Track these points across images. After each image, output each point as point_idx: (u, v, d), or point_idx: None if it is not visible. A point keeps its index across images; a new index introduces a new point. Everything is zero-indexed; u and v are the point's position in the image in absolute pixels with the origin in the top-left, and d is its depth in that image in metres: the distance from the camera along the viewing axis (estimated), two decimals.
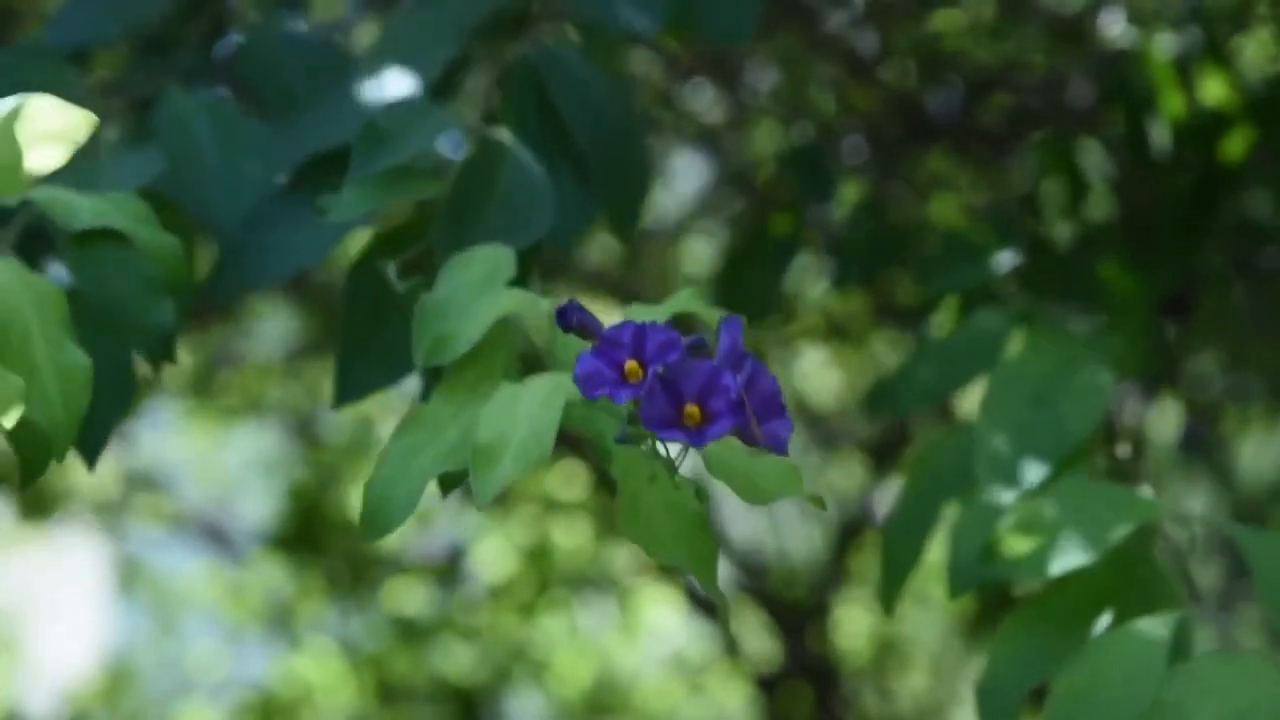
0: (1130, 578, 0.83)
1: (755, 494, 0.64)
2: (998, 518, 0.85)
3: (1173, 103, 1.22)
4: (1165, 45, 1.26)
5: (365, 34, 1.40)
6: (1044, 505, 0.83)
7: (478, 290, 0.72)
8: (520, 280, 0.75)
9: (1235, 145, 1.22)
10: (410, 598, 2.66)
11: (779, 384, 0.61)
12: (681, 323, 0.68)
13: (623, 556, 2.59)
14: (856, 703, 2.46)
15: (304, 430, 2.59)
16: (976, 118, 1.42)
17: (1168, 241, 1.23)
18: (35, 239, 0.84)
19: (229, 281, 0.89)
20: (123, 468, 2.57)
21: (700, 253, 1.97)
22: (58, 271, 0.80)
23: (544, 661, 2.80)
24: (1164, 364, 1.34)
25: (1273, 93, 1.27)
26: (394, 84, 0.92)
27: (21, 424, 0.64)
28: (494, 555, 2.64)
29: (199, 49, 1.06)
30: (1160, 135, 1.24)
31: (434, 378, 0.75)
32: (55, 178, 0.76)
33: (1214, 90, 1.23)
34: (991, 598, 1.58)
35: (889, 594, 0.99)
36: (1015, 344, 1.01)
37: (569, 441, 0.72)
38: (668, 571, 2.24)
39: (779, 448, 0.61)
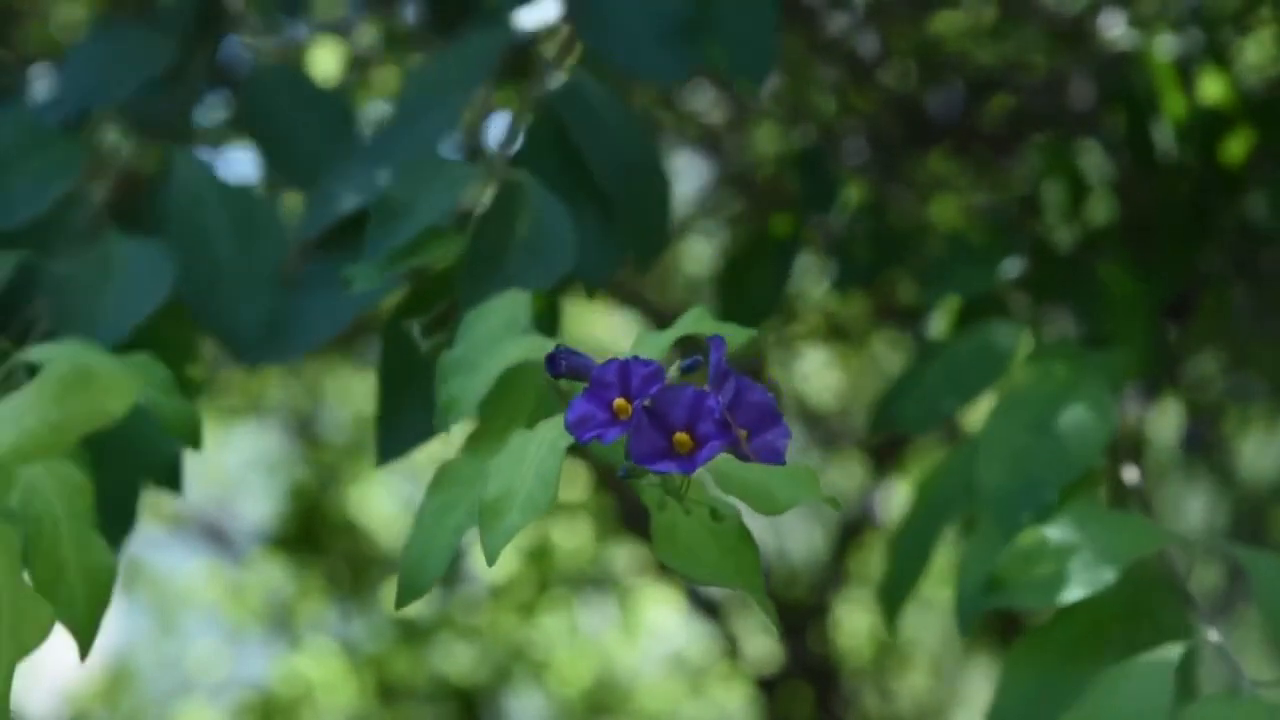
0: (1137, 606, 0.83)
1: (771, 505, 0.64)
2: (1002, 549, 0.84)
3: (1174, 104, 1.22)
4: (1166, 47, 1.26)
5: (365, 34, 1.40)
6: (1050, 533, 0.83)
7: (492, 343, 0.72)
8: (550, 319, 0.75)
9: (1236, 147, 1.22)
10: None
11: (771, 394, 0.61)
12: (691, 342, 0.68)
13: (623, 556, 2.59)
14: (857, 703, 2.46)
15: (304, 430, 2.59)
16: (977, 119, 1.42)
17: (1169, 244, 1.23)
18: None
19: (267, 352, 0.90)
20: None
21: (700, 253, 1.97)
22: None
23: (544, 661, 2.80)
24: (1165, 365, 1.34)
25: (1273, 95, 1.27)
26: (413, 135, 0.92)
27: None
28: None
29: (205, 60, 1.06)
30: (1161, 137, 1.24)
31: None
32: (65, 294, 0.77)
33: (1215, 92, 1.23)
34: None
35: (891, 609, 0.99)
36: (1022, 354, 1.00)
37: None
38: (668, 571, 2.24)
39: (775, 459, 0.61)
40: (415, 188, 0.84)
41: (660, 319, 1.86)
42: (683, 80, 1.04)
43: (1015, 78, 1.39)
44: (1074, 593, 0.80)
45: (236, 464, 2.98)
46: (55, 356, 0.74)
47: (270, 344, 0.89)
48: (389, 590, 2.65)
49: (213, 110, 1.19)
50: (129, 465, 0.82)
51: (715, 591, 2.29)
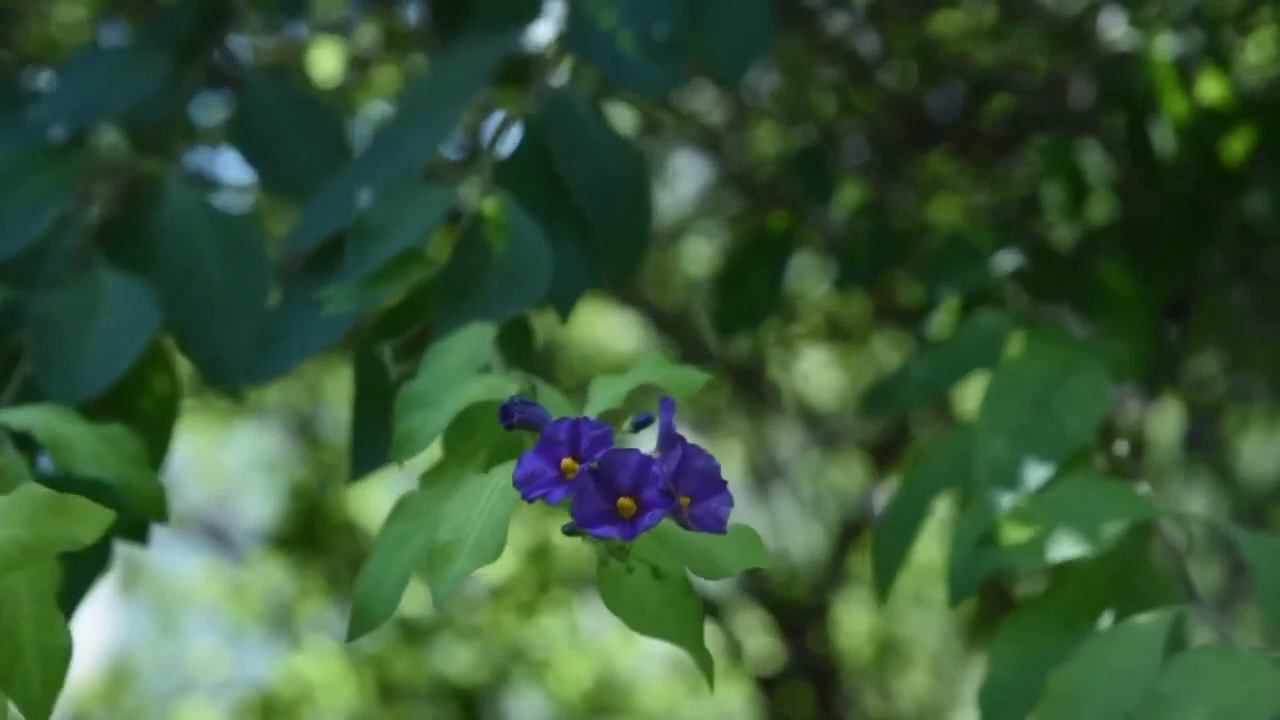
0: (1128, 578, 0.83)
1: (714, 570, 0.63)
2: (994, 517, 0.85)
3: (1174, 105, 1.22)
4: (1166, 47, 1.26)
5: (365, 34, 1.40)
6: (1044, 498, 0.84)
7: (453, 378, 0.72)
8: (523, 349, 0.75)
9: (1237, 147, 1.22)
10: (410, 598, 2.66)
11: (715, 461, 0.61)
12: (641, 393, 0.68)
13: None
14: (857, 703, 2.46)
15: (304, 430, 2.59)
16: (977, 120, 1.42)
17: (1169, 244, 1.23)
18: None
19: (248, 373, 0.90)
20: None
21: (700, 253, 1.97)
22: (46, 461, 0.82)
23: (544, 661, 2.80)
24: (1165, 364, 1.34)
25: (1274, 95, 1.26)
26: (402, 153, 0.92)
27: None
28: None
29: (203, 62, 1.06)
30: (1162, 137, 1.24)
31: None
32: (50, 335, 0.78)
33: (1215, 93, 1.23)
34: (992, 599, 1.58)
35: (882, 585, 0.99)
36: (1015, 345, 1.01)
37: None
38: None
39: (716, 527, 0.61)
40: (393, 210, 0.84)
41: (660, 319, 1.86)
42: (668, 92, 1.03)
43: (1015, 78, 1.39)
44: (1063, 552, 0.80)
45: (236, 464, 2.98)
46: (32, 424, 0.77)
47: (252, 365, 0.89)
48: None
49: (212, 110, 1.19)
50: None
51: (715, 591, 2.29)
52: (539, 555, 2.60)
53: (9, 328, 0.88)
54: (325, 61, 1.35)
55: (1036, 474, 0.87)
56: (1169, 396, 1.55)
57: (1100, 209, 1.31)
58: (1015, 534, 0.82)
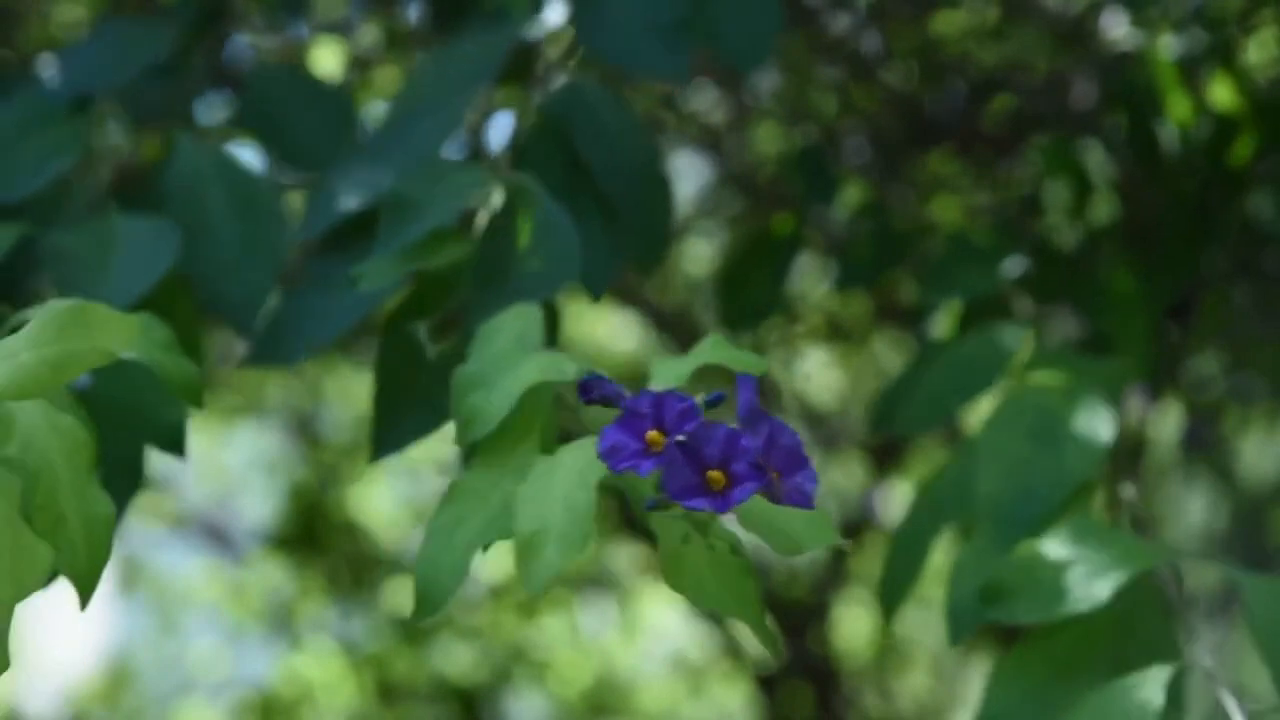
0: (1127, 623, 0.83)
1: (788, 545, 0.65)
2: (997, 559, 0.84)
3: (1177, 105, 1.22)
4: (1168, 47, 1.26)
5: (366, 34, 1.40)
6: (1046, 547, 0.83)
7: (507, 359, 0.72)
8: (550, 331, 0.75)
9: (1240, 148, 1.21)
10: (410, 598, 2.66)
11: (800, 438, 0.61)
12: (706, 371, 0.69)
13: (623, 556, 2.59)
14: (857, 703, 2.46)
15: (304, 430, 2.59)
16: (979, 120, 1.42)
17: (1172, 244, 1.22)
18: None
19: (273, 352, 0.90)
20: None
21: (700, 253, 1.97)
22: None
23: (544, 661, 2.80)
24: (1166, 365, 1.34)
25: (1277, 95, 1.26)
26: (417, 135, 0.92)
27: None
28: (494, 555, 2.64)
29: (207, 56, 1.06)
30: (1164, 137, 1.24)
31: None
32: (68, 265, 0.77)
33: (1219, 93, 1.23)
34: None
35: (889, 608, 0.99)
36: (1023, 355, 1.00)
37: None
38: None
39: (805, 502, 0.61)
40: (426, 187, 0.84)
41: (660, 319, 1.86)
42: (683, 80, 1.03)
43: (1017, 78, 1.39)
44: (1069, 607, 0.80)
45: (236, 464, 2.98)
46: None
47: (275, 344, 0.89)
48: (389, 590, 2.65)
49: (215, 109, 1.19)
50: (133, 429, 0.82)
51: None
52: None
53: (28, 268, 0.88)
54: (326, 61, 1.35)
55: (1037, 511, 0.87)
56: (1169, 396, 1.55)
57: (1102, 209, 1.31)
58: (1019, 586, 0.82)
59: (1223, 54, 1.22)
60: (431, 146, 0.91)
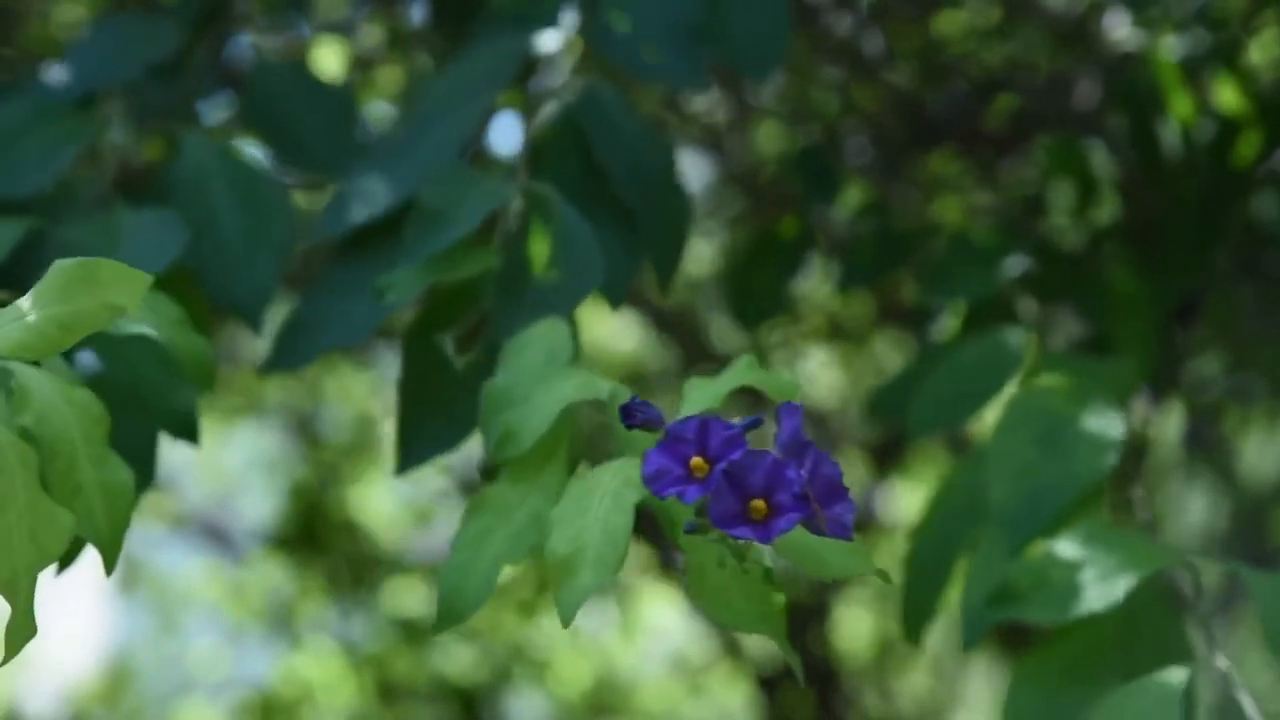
0: (1138, 625, 0.83)
1: (824, 570, 0.66)
2: (1008, 564, 0.85)
3: (1180, 106, 1.22)
4: (1171, 47, 1.25)
5: (368, 34, 1.40)
6: (1057, 548, 0.83)
7: (538, 375, 0.72)
8: (571, 334, 0.75)
9: (1244, 148, 1.21)
10: (410, 598, 2.66)
11: (840, 468, 0.62)
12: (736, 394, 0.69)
13: None
14: (857, 703, 2.46)
15: (304, 430, 2.59)
16: (981, 120, 1.42)
17: (1176, 245, 1.22)
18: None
19: (289, 356, 0.89)
20: None
21: (701, 253, 1.97)
22: (86, 357, 0.81)
23: (544, 661, 2.80)
24: (1168, 365, 1.34)
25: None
26: (431, 142, 0.92)
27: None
28: None
29: (209, 56, 1.06)
30: (1167, 138, 1.23)
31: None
32: (78, 251, 0.76)
33: (1221, 94, 1.23)
34: None
35: (913, 632, 0.99)
36: (1029, 359, 1.00)
37: None
38: (668, 572, 2.24)
39: (844, 534, 0.62)
40: (452, 196, 0.84)
41: (660, 319, 1.86)
42: (703, 87, 1.03)
43: (1019, 78, 1.39)
44: (1082, 607, 0.80)
45: (236, 464, 2.98)
46: None
47: (293, 349, 0.89)
48: (389, 590, 2.65)
49: (217, 109, 1.18)
50: (144, 416, 0.82)
51: None
52: (538, 555, 2.59)
53: (35, 261, 0.87)
54: (328, 61, 1.35)
55: (1047, 515, 0.87)
56: (1171, 396, 1.55)
57: (1105, 210, 1.31)
58: (1030, 587, 0.82)
59: (1226, 54, 1.22)
60: (445, 153, 0.90)
